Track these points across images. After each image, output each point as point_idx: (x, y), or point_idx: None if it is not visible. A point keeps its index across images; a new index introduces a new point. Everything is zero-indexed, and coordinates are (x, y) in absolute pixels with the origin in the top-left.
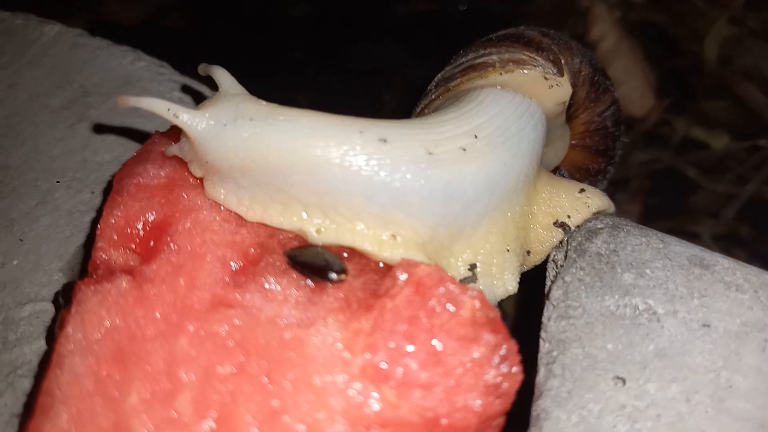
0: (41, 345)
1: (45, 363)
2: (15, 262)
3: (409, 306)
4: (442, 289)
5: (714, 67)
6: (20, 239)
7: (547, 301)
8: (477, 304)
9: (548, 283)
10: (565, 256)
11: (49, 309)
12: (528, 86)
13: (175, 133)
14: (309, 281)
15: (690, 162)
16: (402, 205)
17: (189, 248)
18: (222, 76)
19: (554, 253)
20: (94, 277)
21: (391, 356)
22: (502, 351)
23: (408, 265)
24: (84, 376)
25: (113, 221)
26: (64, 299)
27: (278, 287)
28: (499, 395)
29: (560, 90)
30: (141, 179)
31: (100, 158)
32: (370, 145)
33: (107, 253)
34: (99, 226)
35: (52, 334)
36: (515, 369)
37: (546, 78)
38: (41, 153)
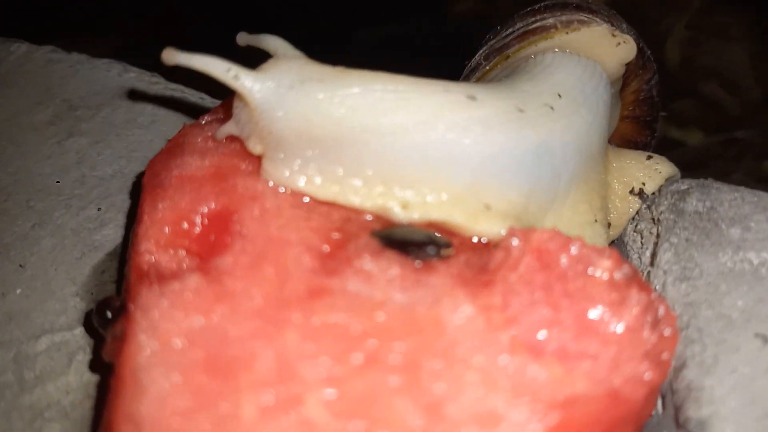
0: (69, 381)
1: (103, 389)
2: (18, 291)
3: (538, 274)
4: (570, 252)
5: (678, 69)
6: (20, 265)
7: (653, 268)
8: (612, 263)
9: (641, 251)
10: (655, 221)
11: (71, 339)
12: (593, 46)
13: (211, 121)
14: (412, 260)
15: (671, 160)
16: (496, 169)
17: (266, 236)
18: (274, 40)
19: (636, 223)
20: (148, 282)
21: (538, 329)
22: (657, 312)
23: (519, 232)
24: (175, 394)
25: (160, 218)
26: (100, 317)
27: (379, 269)
28: (659, 362)
29: (626, 47)
30: (182, 171)
31: (100, 173)
32: (459, 104)
33: (156, 255)
34: (140, 227)
35: (98, 360)
36: (670, 331)
37: (614, 35)
38: (31, 172)
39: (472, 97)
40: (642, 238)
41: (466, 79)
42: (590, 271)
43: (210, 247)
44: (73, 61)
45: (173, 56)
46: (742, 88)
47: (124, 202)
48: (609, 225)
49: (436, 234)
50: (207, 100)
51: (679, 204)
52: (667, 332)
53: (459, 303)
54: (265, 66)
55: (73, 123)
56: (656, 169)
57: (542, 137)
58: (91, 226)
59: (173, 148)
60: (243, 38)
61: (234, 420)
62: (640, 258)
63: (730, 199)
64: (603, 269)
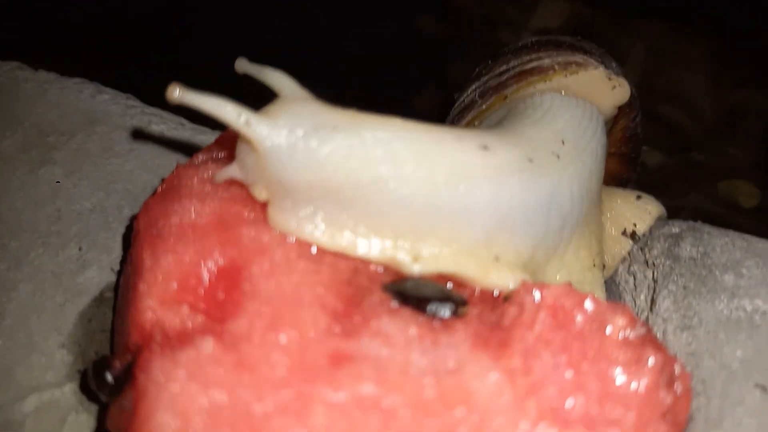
0: None
1: None
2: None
3: (555, 333)
4: (585, 310)
5: (636, 91)
6: None
7: (652, 315)
8: (626, 321)
9: (635, 294)
10: (649, 264)
11: (61, 397)
12: (590, 89)
13: (206, 161)
14: (428, 318)
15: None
16: (508, 221)
17: (279, 295)
18: (279, 77)
19: (628, 264)
20: (155, 346)
21: (562, 395)
22: (673, 371)
23: (532, 287)
24: None
25: (165, 273)
26: (99, 380)
27: (397, 330)
28: (676, 423)
29: (621, 90)
30: (182, 218)
31: (78, 207)
32: (472, 154)
33: (159, 312)
34: (140, 281)
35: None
36: (683, 391)
37: (610, 78)
38: (0, 206)
39: (485, 147)
40: (635, 279)
41: (461, 115)
42: (606, 329)
43: (218, 305)
44: (40, 81)
45: (180, 95)
46: (699, 110)
47: (106, 240)
48: (603, 266)
49: (449, 288)
50: (187, 126)
51: (674, 249)
52: (680, 391)
53: (485, 369)
54: (275, 109)
55: (44, 151)
56: (646, 209)
57: (551, 187)
58: (73, 268)
59: (168, 192)
60: (242, 66)
61: None
62: (634, 300)
63: (722, 245)
64: (618, 327)
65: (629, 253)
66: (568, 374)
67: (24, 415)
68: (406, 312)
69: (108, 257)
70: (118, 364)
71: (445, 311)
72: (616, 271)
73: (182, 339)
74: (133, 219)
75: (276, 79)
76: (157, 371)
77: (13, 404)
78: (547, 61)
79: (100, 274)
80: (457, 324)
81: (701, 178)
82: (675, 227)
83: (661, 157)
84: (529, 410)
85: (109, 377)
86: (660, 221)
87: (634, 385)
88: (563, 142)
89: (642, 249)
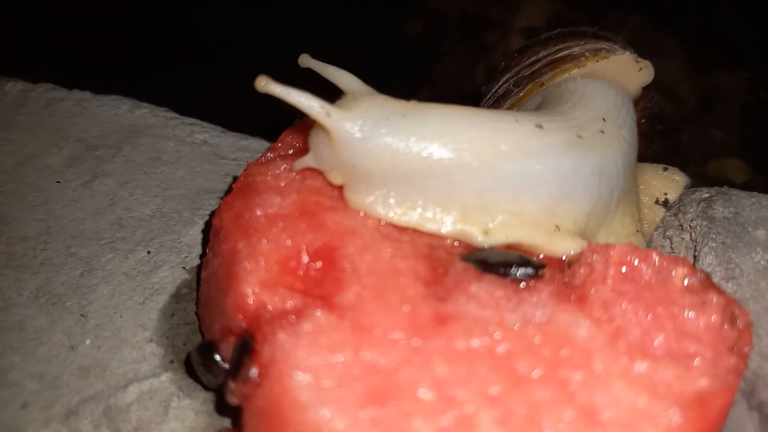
0: (172, 428)
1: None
2: (88, 342)
3: (626, 285)
4: (650, 263)
5: None
6: (82, 315)
7: None
8: (688, 270)
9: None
10: (684, 228)
11: (160, 386)
12: (618, 72)
13: (274, 158)
14: (511, 281)
15: None
16: (566, 192)
17: (378, 269)
18: (345, 75)
19: (664, 230)
20: (269, 322)
21: (645, 336)
22: (734, 309)
23: (599, 248)
24: (355, 427)
25: (265, 258)
26: (207, 362)
27: (487, 293)
28: (742, 355)
29: (647, 72)
30: (267, 210)
31: (138, 213)
32: (531, 134)
33: (261, 295)
34: (238, 268)
35: (224, 406)
36: (745, 325)
37: (637, 61)
38: (62, 218)
39: (540, 126)
40: (672, 243)
41: (496, 104)
42: (671, 279)
43: (317, 282)
44: (77, 99)
45: (267, 86)
46: (680, 96)
47: (172, 242)
48: (643, 234)
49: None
50: (229, 133)
51: (708, 212)
52: (742, 326)
53: (575, 319)
54: (347, 103)
55: (94, 164)
56: (675, 179)
57: (600, 159)
58: (145, 270)
59: (244, 188)
60: (306, 61)
61: None
62: None
63: (749, 204)
64: (681, 276)
65: (662, 221)
66: (645, 318)
67: (128, 403)
68: (491, 277)
69: (178, 257)
70: (224, 345)
71: (527, 273)
72: (651, 237)
73: (292, 315)
74: (210, 217)
75: (341, 76)
76: (281, 341)
77: (116, 393)
78: (576, 50)
79: (173, 274)
80: (538, 284)
81: (691, 159)
82: (704, 193)
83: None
84: (620, 349)
85: (218, 359)
86: (687, 189)
87: (703, 323)
88: (604, 120)
89: (675, 215)
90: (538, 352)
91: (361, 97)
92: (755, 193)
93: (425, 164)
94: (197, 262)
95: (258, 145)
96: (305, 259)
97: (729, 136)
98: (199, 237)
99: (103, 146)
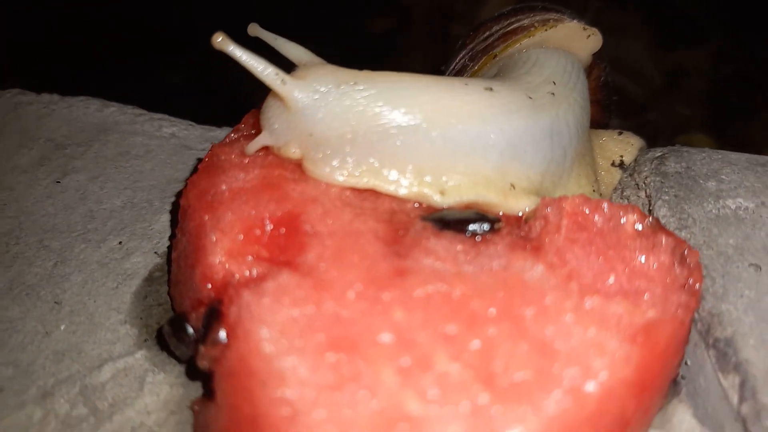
0: (146, 402)
1: (231, 389)
2: (63, 327)
3: (579, 233)
4: (602, 211)
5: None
6: (56, 302)
7: None
8: (638, 216)
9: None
10: (640, 186)
11: (134, 364)
12: (567, 40)
13: (238, 138)
14: (469, 236)
15: None
16: (518, 152)
17: (338, 231)
18: (295, 47)
19: (621, 190)
20: (235, 287)
21: (597, 276)
22: (684, 249)
23: (552, 202)
24: (317, 373)
25: (229, 228)
26: (178, 332)
27: (444, 247)
28: (693, 292)
29: (595, 39)
30: (231, 185)
31: (109, 205)
32: (480, 95)
33: (228, 265)
34: (204, 240)
35: (196, 374)
36: (695, 263)
37: (584, 29)
38: (33, 214)
39: (489, 89)
40: (629, 202)
41: (465, 72)
42: (622, 225)
43: (281, 248)
44: (45, 102)
45: (223, 43)
46: (645, 75)
47: (144, 230)
48: (600, 195)
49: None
50: (197, 126)
51: (661, 168)
52: (693, 264)
53: (530, 264)
54: (300, 73)
55: (64, 161)
56: (629, 142)
57: (551, 120)
58: (117, 257)
59: (209, 168)
60: (255, 30)
61: (378, 385)
62: None
63: (700, 159)
64: (632, 222)
65: (619, 182)
66: (597, 261)
67: (103, 382)
68: (449, 234)
69: (149, 243)
70: (194, 316)
71: (484, 227)
72: (609, 198)
73: (257, 279)
74: (176, 203)
75: (291, 48)
76: (247, 301)
77: (91, 373)
78: (526, 21)
79: (145, 259)
80: (495, 238)
81: (659, 135)
82: (657, 151)
83: (618, 121)
84: (573, 289)
85: (189, 329)
86: (642, 150)
87: (653, 263)
88: (554, 83)
89: (631, 175)
90: (491, 294)
91: (313, 67)
92: (706, 149)
93: (378, 128)
94: (169, 246)
95: (225, 135)
96: (269, 227)
97: (695, 111)
98: (170, 224)
99: (73, 144)
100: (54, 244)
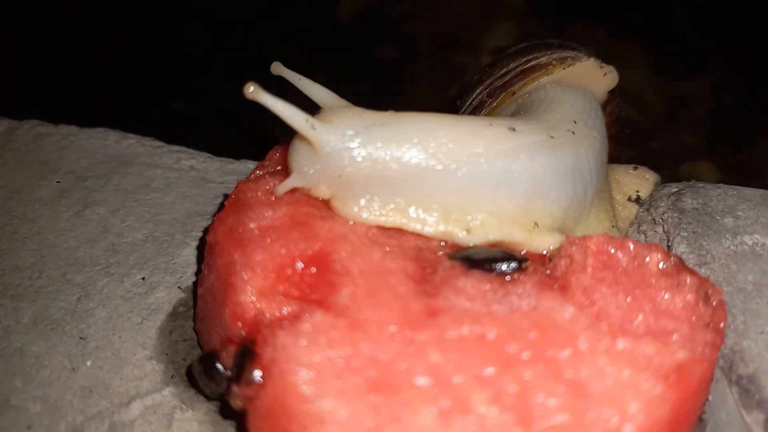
0: None
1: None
2: (89, 363)
3: (605, 273)
4: (626, 251)
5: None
6: (81, 338)
7: None
8: (662, 255)
9: None
10: (656, 222)
11: (163, 400)
12: (584, 77)
13: (263, 175)
14: (496, 275)
15: None
16: (541, 189)
17: (369, 270)
18: (319, 89)
19: (638, 225)
20: (268, 327)
21: (625, 316)
22: (707, 288)
23: (576, 241)
24: (357, 415)
25: (261, 267)
26: (209, 370)
27: (474, 287)
28: (718, 330)
29: (612, 76)
30: (260, 223)
31: (131, 239)
32: (504, 136)
33: (259, 303)
34: (235, 278)
35: (228, 412)
36: (718, 302)
37: (601, 66)
38: (55, 247)
39: (512, 129)
40: (646, 237)
41: (482, 110)
42: (646, 264)
43: (312, 287)
44: (64, 133)
45: (255, 93)
46: (647, 104)
47: (166, 264)
48: (618, 230)
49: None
50: (215, 158)
51: (678, 204)
52: (716, 303)
53: (559, 305)
54: (327, 116)
55: (85, 194)
56: (645, 177)
57: (573, 157)
58: (141, 292)
59: (236, 204)
60: (279, 69)
61: (419, 428)
62: None
63: (716, 195)
64: (656, 261)
65: (636, 217)
66: (625, 301)
67: (132, 419)
68: (477, 273)
69: (172, 278)
70: (224, 354)
71: (511, 266)
72: (626, 233)
73: (290, 318)
74: (202, 238)
75: (316, 90)
76: (283, 342)
77: (119, 409)
78: (544, 59)
79: (169, 293)
80: (522, 277)
81: (663, 163)
82: (673, 187)
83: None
84: (603, 330)
85: (220, 367)
86: (657, 186)
87: (679, 302)
88: (575, 122)
89: (648, 210)
90: (525, 335)
91: (339, 110)
92: (721, 185)
93: (405, 168)
94: (192, 280)
95: (244, 167)
96: (299, 266)
97: (697, 139)
98: (193, 257)
99: (93, 177)
100: (77, 278)
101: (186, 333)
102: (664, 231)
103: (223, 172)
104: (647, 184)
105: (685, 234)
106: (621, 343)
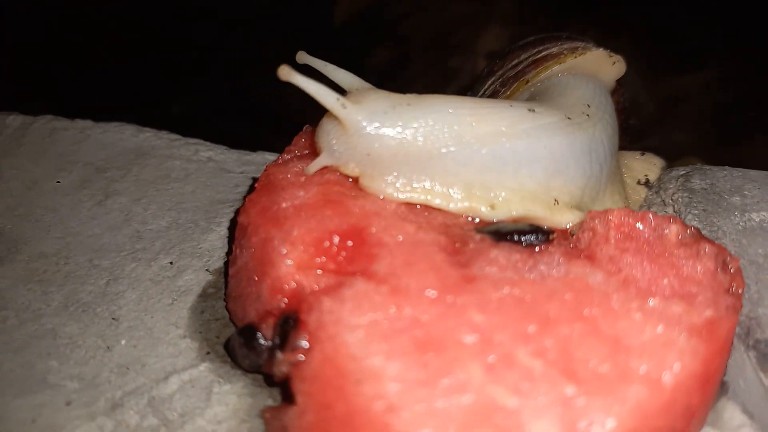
0: (216, 412)
1: (313, 395)
2: (123, 342)
3: (627, 243)
4: (647, 223)
5: None
6: (113, 319)
7: None
8: (680, 226)
9: None
10: (666, 203)
11: (200, 375)
12: (594, 66)
13: (291, 158)
14: (525, 247)
15: None
16: (561, 167)
17: (404, 242)
18: (344, 74)
19: (647, 207)
20: (310, 296)
21: (652, 281)
22: (725, 256)
23: (598, 215)
24: (410, 370)
25: (298, 242)
26: (251, 341)
27: (505, 257)
28: (737, 295)
29: (620, 65)
30: (293, 202)
31: (155, 226)
32: (525, 116)
33: (298, 276)
34: (273, 254)
35: (266, 380)
36: (736, 269)
37: (610, 56)
38: (79, 234)
39: (532, 110)
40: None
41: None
42: (666, 234)
43: (350, 260)
44: (80, 128)
45: (290, 75)
46: (640, 103)
47: (192, 249)
48: None
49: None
50: (233, 150)
51: (687, 185)
52: (734, 270)
53: (589, 271)
54: (356, 98)
55: (105, 184)
56: (652, 162)
57: (589, 138)
58: (169, 275)
59: (267, 186)
60: (304, 58)
61: (469, 380)
62: None
63: (723, 176)
64: (675, 232)
65: (645, 199)
66: (650, 268)
67: (170, 393)
68: (506, 245)
69: (200, 261)
70: (264, 327)
71: (539, 238)
72: None
73: (332, 287)
74: (234, 219)
75: (341, 74)
76: (329, 307)
77: (157, 385)
78: (555, 49)
79: (197, 276)
80: (549, 248)
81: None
82: (681, 170)
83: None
84: (633, 292)
85: (260, 338)
86: (664, 170)
87: (699, 269)
88: (588, 106)
89: (657, 192)
90: (561, 296)
91: (366, 92)
92: (726, 167)
93: (430, 147)
94: (220, 264)
95: (262, 158)
96: (336, 239)
97: (690, 137)
98: (219, 242)
99: (112, 168)
100: (104, 263)
101: (218, 312)
102: (674, 210)
103: (241, 163)
104: (655, 168)
105: (696, 212)
106: (652, 302)
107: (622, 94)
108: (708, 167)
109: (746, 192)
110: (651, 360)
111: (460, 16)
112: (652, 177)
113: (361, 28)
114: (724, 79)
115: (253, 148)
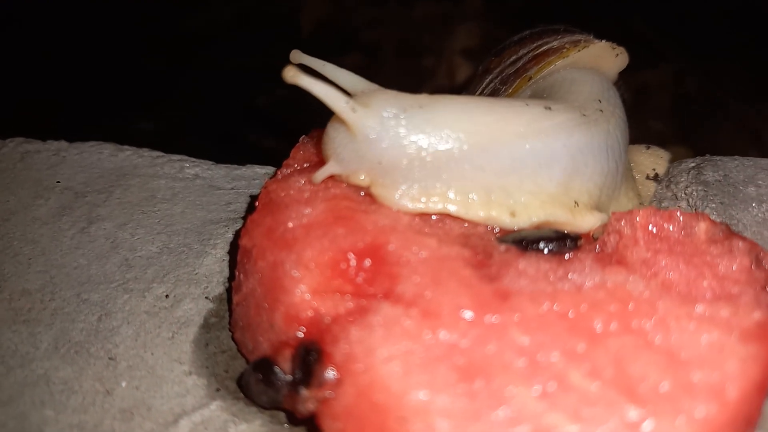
0: None
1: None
2: (123, 384)
3: (657, 244)
4: (675, 221)
5: None
6: (110, 359)
7: None
8: (710, 223)
9: None
10: (678, 197)
11: (211, 415)
12: (597, 59)
13: (291, 173)
14: (552, 255)
15: None
16: (579, 166)
17: (427, 259)
18: (348, 75)
19: (658, 201)
20: (331, 325)
21: (691, 283)
22: (759, 251)
23: (623, 216)
24: (455, 401)
25: (315, 263)
26: (268, 380)
27: (534, 268)
28: None
29: (623, 57)
30: (300, 221)
31: (144, 252)
32: (542, 115)
33: (314, 302)
34: (285, 280)
35: (285, 417)
36: None
37: (613, 48)
38: (64, 266)
39: (548, 108)
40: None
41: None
42: (695, 232)
43: (369, 281)
44: (54, 149)
45: (296, 77)
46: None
47: (188, 275)
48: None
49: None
50: (220, 166)
51: (700, 177)
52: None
53: (625, 277)
54: (364, 100)
55: (87, 209)
56: (659, 155)
57: (605, 134)
58: (166, 305)
59: (270, 205)
60: (299, 57)
61: (524, 409)
62: None
63: (734, 167)
64: (705, 229)
65: (655, 194)
66: (686, 269)
67: None
68: (533, 254)
69: (197, 289)
70: (280, 360)
71: (567, 245)
72: None
73: (355, 314)
74: (233, 242)
75: (344, 75)
76: (358, 336)
77: (166, 429)
78: (555, 43)
79: (197, 305)
80: (578, 255)
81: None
82: (690, 162)
83: None
84: (676, 297)
85: (279, 372)
86: (670, 163)
87: (735, 267)
88: (600, 101)
89: (667, 186)
90: (605, 308)
91: (373, 94)
92: (736, 157)
93: (446, 152)
94: (220, 290)
95: (252, 172)
96: (352, 259)
97: (665, 126)
98: (216, 266)
99: (92, 192)
100: (94, 296)
101: (223, 344)
102: (689, 204)
103: (231, 178)
104: (662, 162)
105: (714, 205)
106: (699, 308)
107: (620, 86)
108: (718, 158)
109: (760, 182)
110: (712, 371)
111: (428, 17)
112: (661, 171)
113: (329, 35)
114: (689, 72)
115: (240, 161)
